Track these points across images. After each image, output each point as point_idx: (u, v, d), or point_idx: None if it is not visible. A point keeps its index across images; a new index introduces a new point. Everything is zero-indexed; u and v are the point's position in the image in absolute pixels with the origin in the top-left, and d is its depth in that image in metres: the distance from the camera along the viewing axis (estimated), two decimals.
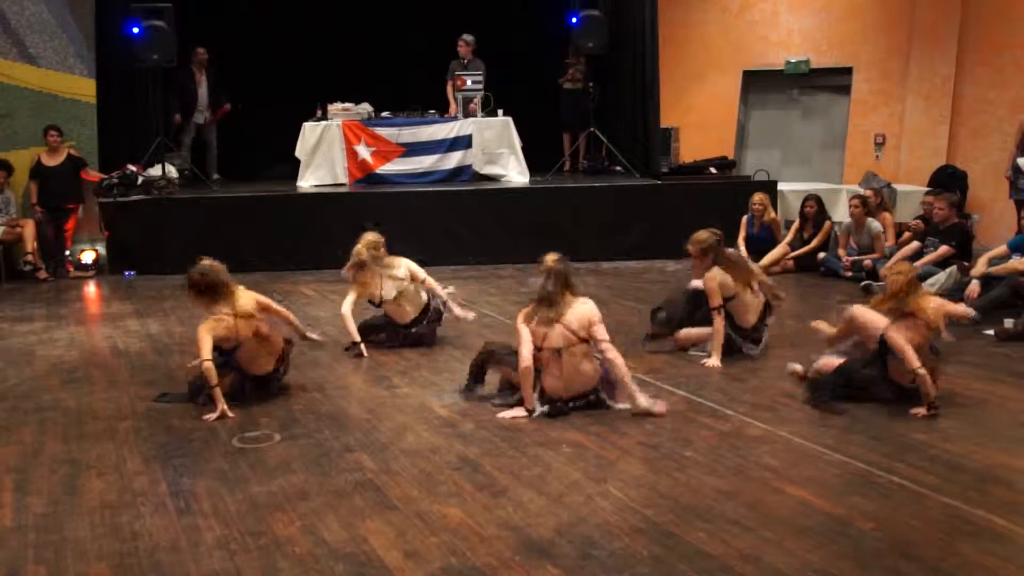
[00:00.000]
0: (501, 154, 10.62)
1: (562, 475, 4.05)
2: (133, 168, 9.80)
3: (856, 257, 8.71)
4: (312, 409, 5.06)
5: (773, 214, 9.58)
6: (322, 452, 4.39)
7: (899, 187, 11.01)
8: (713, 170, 11.33)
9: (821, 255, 9.02)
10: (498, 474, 4.07)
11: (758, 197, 9.45)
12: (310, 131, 10.33)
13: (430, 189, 10.12)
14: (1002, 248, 7.35)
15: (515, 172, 10.60)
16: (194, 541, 3.46)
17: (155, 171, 9.93)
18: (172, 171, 10.13)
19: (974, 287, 6.91)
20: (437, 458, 4.29)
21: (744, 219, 9.51)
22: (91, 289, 9.00)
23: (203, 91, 11.12)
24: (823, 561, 3.22)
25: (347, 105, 10.54)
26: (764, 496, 3.80)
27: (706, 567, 3.20)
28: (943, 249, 7.77)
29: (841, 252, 8.93)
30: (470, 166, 10.57)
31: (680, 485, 3.92)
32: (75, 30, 10.10)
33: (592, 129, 11.10)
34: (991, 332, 6.45)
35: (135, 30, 9.64)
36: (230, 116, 11.56)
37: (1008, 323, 6.47)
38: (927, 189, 10.27)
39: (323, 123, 10.36)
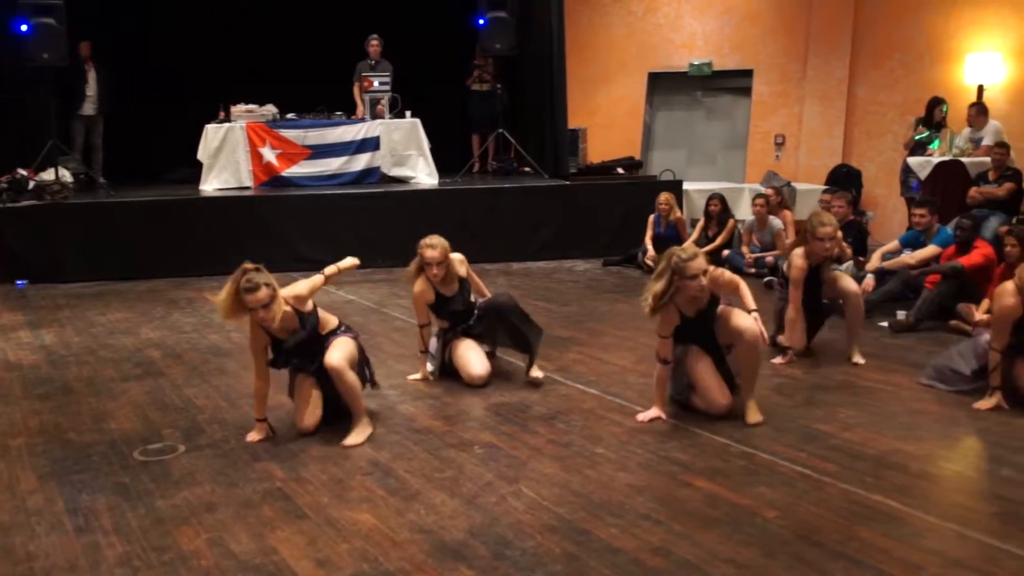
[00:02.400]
0: (409, 156, 10.58)
1: (474, 476, 4.05)
2: (24, 172, 9.42)
3: (759, 254, 8.95)
4: (217, 418, 4.93)
5: (679, 213, 9.77)
6: (229, 462, 4.28)
7: (798, 186, 11.36)
8: (620, 170, 11.50)
9: (725, 252, 9.23)
10: (410, 477, 4.05)
11: (664, 196, 9.61)
12: (213, 133, 10.10)
13: (338, 192, 10.01)
14: (894, 243, 7.63)
15: (424, 174, 10.56)
16: (94, 560, 3.34)
17: (48, 175, 9.55)
18: (66, 175, 9.76)
19: (869, 281, 7.16)
20: (348, 464, 4.23)
21: (651, 218, 9.66)
22: None
23: (91, 87, 10.70)
24: (731, 551, 3.30)
25: (251, 107, 10.35)
26: (673, 490, 3.87)
27: (617, 562, 3.24)
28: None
29: (744, 249, 9.16)
30: (378, 168, 10.50)
31: (591, 482, 3.96)
32: None
33: (501, 130, 11.14)
34: (885, 324, 6.71)
35: (23, 28, 9.25)
36: (127, 117, 11.19)
37: (901, 315, 6.74)
38: (824, 187, 10.61)
39: (226, 125, 10.14)
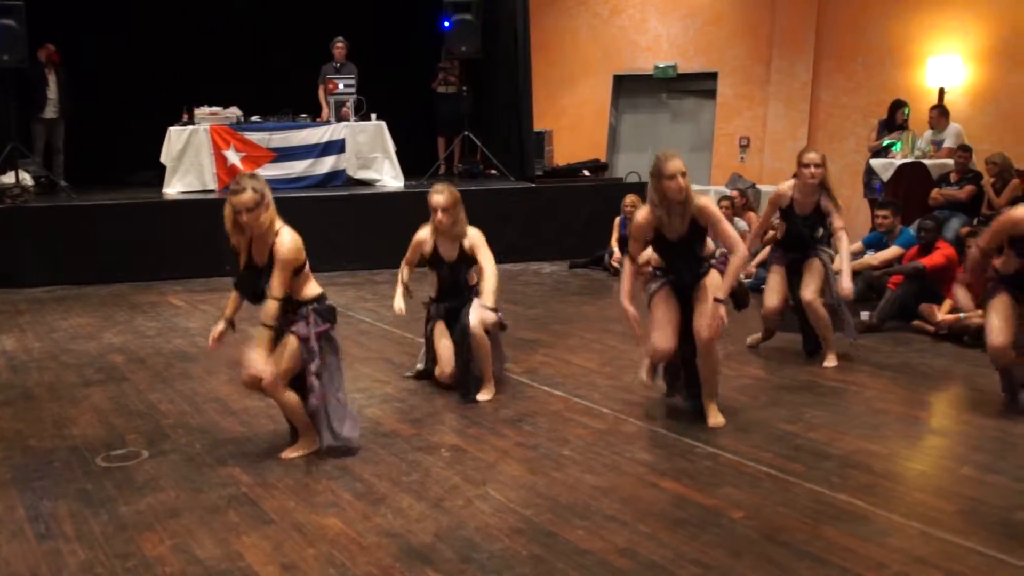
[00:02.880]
0: (375, 159, 10.54)
1: (441, 479, 4.04)
2: None
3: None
4: (182, 423, 4.88)
5: None
6: (193, 467, 4.23)
7: (763, 187, 11.45)
8: (586, 172, 11.53)
9: None
10: (377, 481, 4.03)
11: (630, 199, 9.65)
12: (176, 136, 9.99)
13: (303, 194, 9.93)
14: (858, 244, 7.72)
15: (389, 177, 10.53)
16: (56, 567, 3.28)
17: (8, 178, 9.39)
18: (27, 178, 9.61)
19: None
20: (314, 468, 4.20)
21: (617, 220, 9.70)
22: None
23: (52, 90, 10.52)
24: (697, 551, 3.32)
25: (215, 109, 10.23)
26: (639, 491, 3.88)
27: (584, 563, 3.24)
28: None
29: None
30: (344, 171, 10.45)
31: (558, 484, 3.96)
32: None
33: (466, 133, 11.12)
34: None
35: None
36: (89, 119, 11.04)
37: (864, 315, 6.82)
38: None
39: (190, 127, 10.03)
